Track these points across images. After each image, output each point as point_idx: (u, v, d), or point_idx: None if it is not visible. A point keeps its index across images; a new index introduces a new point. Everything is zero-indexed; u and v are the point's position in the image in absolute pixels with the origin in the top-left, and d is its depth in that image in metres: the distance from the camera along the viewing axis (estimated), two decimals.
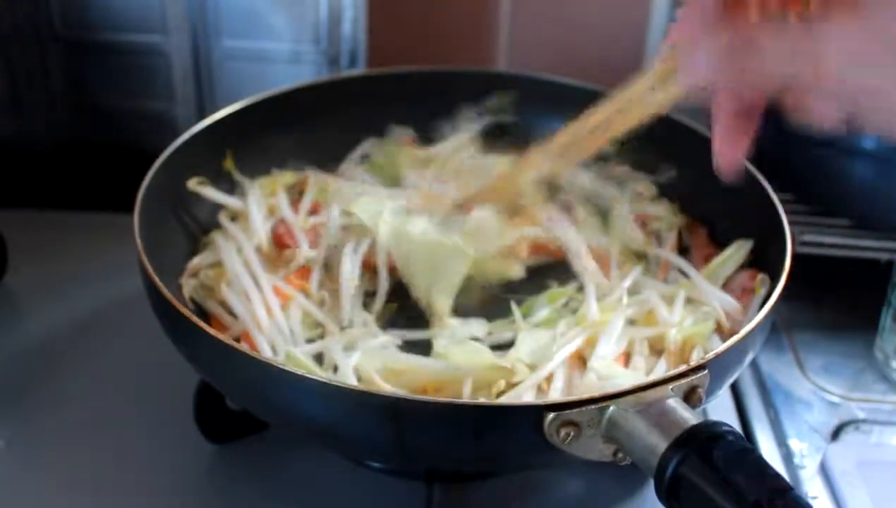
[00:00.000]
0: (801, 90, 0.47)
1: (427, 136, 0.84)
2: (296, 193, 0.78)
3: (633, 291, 0.69)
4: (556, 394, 0.60)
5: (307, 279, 0.70)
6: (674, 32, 0.55)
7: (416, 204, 0.75)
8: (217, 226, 0.75)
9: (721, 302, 0.67)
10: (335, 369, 0.62)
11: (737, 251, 0.71)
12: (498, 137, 0.84)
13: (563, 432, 0.51)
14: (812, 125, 0.47)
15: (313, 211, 0.76)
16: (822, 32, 0.45)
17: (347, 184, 0.78)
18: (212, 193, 0.74)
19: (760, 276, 0.68)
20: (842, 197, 0.87)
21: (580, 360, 0.63)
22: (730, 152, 0.54)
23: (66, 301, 0.81)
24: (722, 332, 0.66)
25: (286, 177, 0.79)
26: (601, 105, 0.67)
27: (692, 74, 0.51)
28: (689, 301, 0.68)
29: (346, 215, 0.73)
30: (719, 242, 0.75)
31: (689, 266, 0.71)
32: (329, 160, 0.82)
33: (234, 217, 0.76)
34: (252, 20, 0.91)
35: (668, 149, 0.79)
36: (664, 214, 0.78)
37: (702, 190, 0.76)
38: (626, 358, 0.64)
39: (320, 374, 0.61)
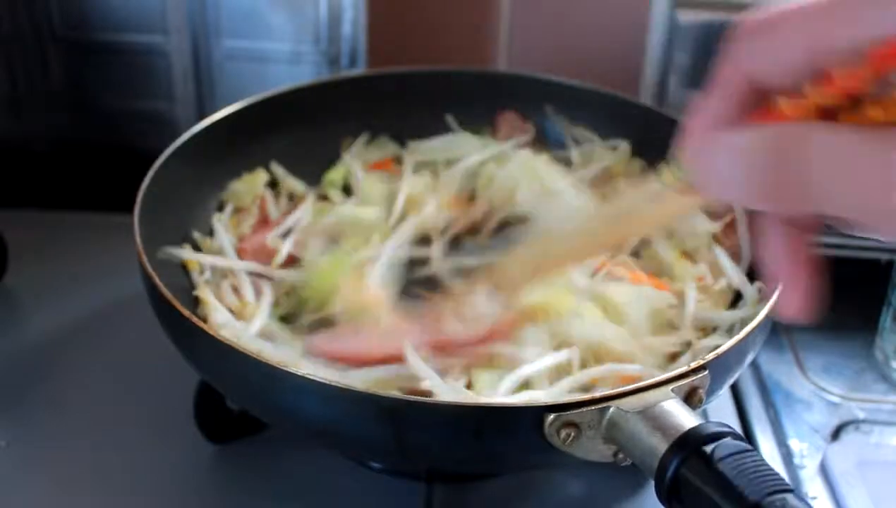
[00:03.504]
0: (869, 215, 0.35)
1: (425, 136, 0.84)
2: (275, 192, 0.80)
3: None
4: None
5: None
6: (684, 141, 0.43)
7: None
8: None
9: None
10: None
11: None
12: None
13: (563, 433, 0.51)
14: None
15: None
16: None
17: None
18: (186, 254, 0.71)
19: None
20: None
21: None
22: (793, 299, 0.43)
23: (66, 301, 0.81)
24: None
25: (260, 177, 0.79)
26: (593, 218, 0.59)
27: (710, 188, 0.40)
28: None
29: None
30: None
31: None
32: (329, 160, 0.82)
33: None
34: (252, 20, 0.91)
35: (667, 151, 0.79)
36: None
37: None
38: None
39: (323, 376, 0.60)
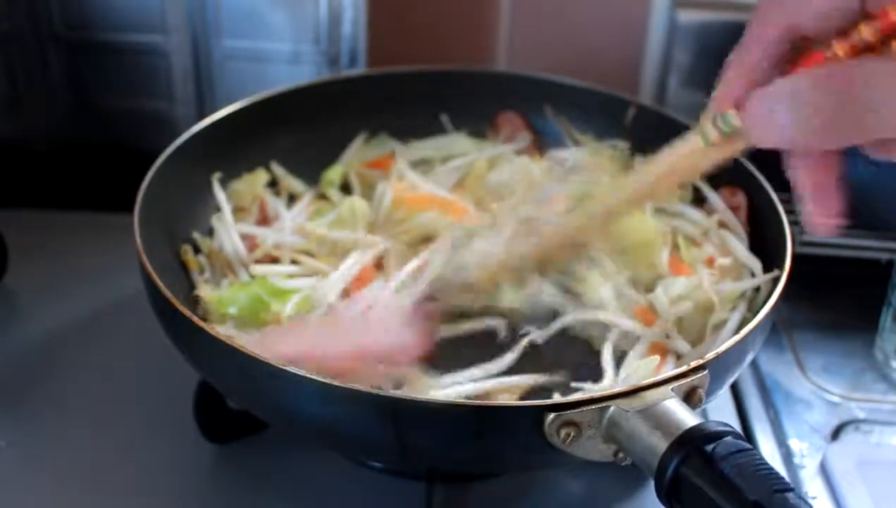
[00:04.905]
0: None
1: (425, 136, 0.84)
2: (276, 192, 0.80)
3: None
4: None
5: None
6: (723, 94, 0.48)
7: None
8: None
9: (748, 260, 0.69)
10: None
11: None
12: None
13: (563, 432, 0.51)
14: None
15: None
16: None
17: None
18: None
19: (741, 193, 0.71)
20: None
21: None
22: (824, 214, 0.48)
23: (66, 301, 0.81)
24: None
25: (260, 177, 0.79)
26: (638, 172, 0.62)
27: (770, 135, 0.44)
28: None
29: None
30: None
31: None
32: (329, 160, 0.82)
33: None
34: (252, 20, 0.91)
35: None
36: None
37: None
38: None
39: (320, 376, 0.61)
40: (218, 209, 0.76)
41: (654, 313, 0.67)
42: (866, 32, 0.43)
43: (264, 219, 0.76)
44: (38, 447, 0.69)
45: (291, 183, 0.80)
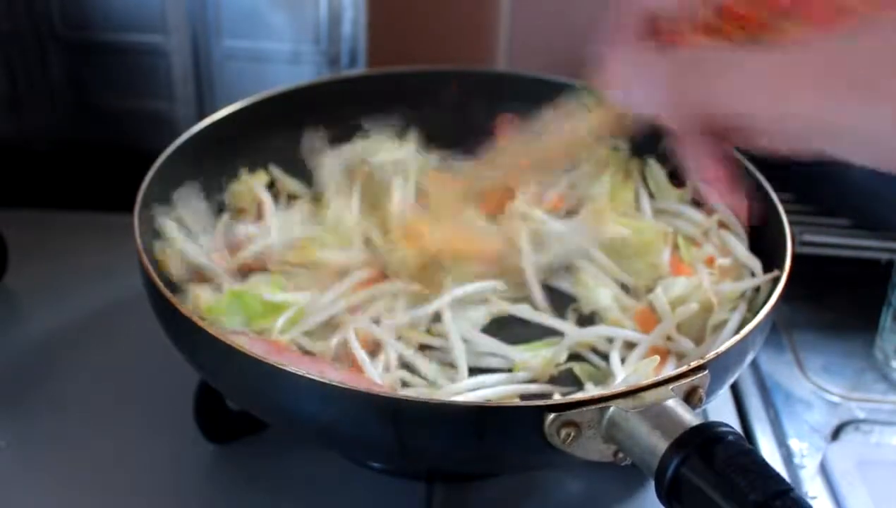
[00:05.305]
0: (754, 120, 0.47)
1: (425, 136, 0.84)
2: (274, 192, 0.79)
3: None
4: None
5: None
6: (605, 66, 0.55)
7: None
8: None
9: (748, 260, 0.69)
10: None
11: None
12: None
13: (563, 432, 0.51)
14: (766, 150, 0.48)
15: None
16: (789, 56, 0.46)
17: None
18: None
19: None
20: (842, 197, 0.87)
21: None
22: (731, 198, 0.54)
23: (66, 301, 0.81)
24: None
25: (259, 178, 0.78)
26: (537, 141, 0.67)
27: (633, 103, 0.52)
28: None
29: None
30: None
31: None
32: None
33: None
34: (252, 20, 0.91)
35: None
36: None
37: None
38: None
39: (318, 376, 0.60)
40: (221, 209, 0.76)
41: (654, 316, 0.67)
42: (712, 19, 0.52)
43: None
44: (38, 447, 0.69)
45: (289, 184, 0.80)
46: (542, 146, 0.67)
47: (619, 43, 0.54)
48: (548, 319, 0.68)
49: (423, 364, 0.64)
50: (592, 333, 0.66)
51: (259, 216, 0.76)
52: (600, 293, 0.69)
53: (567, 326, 0.68)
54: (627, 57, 0.53)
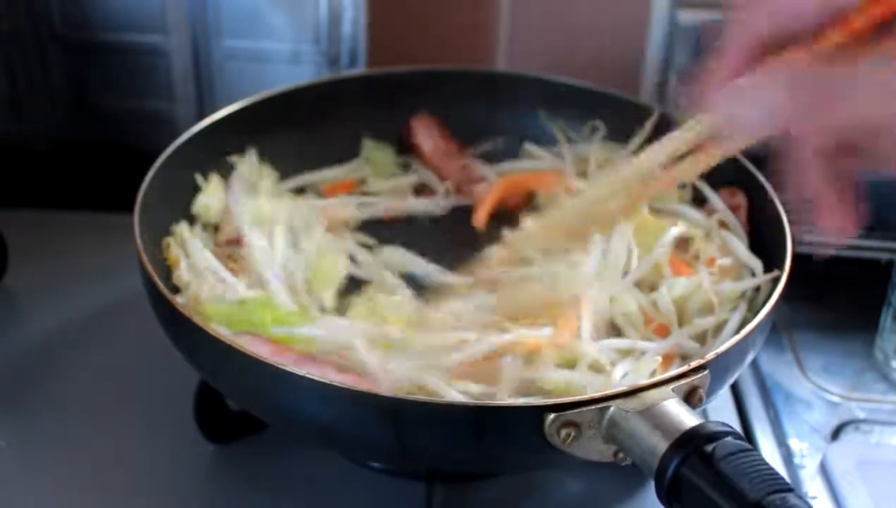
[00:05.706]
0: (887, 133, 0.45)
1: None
2: None
3: None
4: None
5: None
6: (705, 88, 0.53)
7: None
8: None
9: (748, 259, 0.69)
10: None
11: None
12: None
13: (563, 432, 0.51)
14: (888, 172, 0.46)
15: None
16: None
17: None
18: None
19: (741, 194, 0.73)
20: None
21: None
22: (837, 222, 0.50)
23: (66, 301, 0.81)
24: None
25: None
26: (615, 173, 0.65)
27: (747, 125, 0.49)
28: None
29: None
30: None
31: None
32: (329, 160, 0.82)
33: None
34: (252, 20, 0.91)
35: None
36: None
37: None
38: None
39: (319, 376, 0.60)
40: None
41: (663, 323, 0.67)
42: (836, 35, 0.49)
43: None
44: (38, 447, 0.69)
45: (290, 183, 0.80)
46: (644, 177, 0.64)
47: (726, 68, 0.52)
48: None
49: None
50: (611, 345, 0.64)
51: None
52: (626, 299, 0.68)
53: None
54: (735, 81, 0.51)
